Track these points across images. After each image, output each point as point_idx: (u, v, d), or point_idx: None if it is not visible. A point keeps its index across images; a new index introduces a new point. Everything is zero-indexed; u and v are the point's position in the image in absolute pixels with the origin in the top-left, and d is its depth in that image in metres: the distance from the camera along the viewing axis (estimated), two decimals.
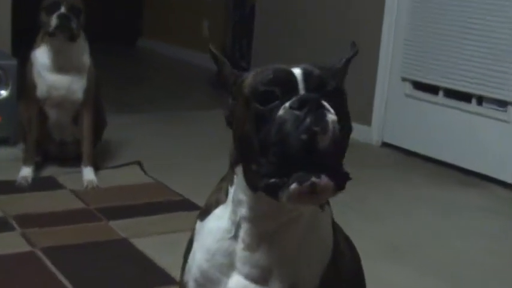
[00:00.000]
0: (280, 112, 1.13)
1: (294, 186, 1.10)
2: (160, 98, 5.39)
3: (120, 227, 2.84)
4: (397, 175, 3.87)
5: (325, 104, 1.13)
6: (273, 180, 1.12)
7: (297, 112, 1.11)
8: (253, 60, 5.45)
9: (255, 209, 1.23)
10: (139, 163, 3.64)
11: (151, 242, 2.71)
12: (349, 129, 1.19)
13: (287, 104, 1.13)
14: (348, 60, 1.32)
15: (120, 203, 3.11)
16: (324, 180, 1.10)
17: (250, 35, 5.60)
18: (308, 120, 1.10)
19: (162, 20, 7.48)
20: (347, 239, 1.50)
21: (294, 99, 1.13)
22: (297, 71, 1.18)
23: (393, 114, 4.38)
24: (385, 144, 4.42)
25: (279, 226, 1.23)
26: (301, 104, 1.12)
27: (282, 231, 1.23)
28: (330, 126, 1.10)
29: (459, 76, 3.98)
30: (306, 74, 1.17)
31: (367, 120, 4.46)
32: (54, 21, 3.15)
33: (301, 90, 1.16)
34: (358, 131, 4.44)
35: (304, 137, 1.09)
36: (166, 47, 7.32)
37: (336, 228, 1.35)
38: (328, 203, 1.31)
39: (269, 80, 1.17)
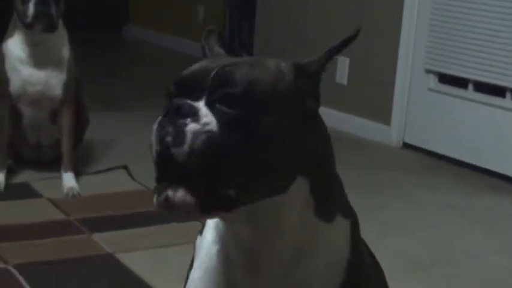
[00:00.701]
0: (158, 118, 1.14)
1: (154, 197, 1.11)
2: (150, 93, 5.38)
3: (105, 241, 2.84)
4: (420, 180, 3.87)
5: (197, 111, 1.10)
6: (154, 185, 1.13)
7: (164, 119, 1.12)
8: (256, 48, 5.45)
9: None
10: (126, 167, 3.65)
11: (140, 257, 2.72)
12: (251, 145, 1.10)
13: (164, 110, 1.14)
14: (330, 52, 1.19)
15: (104, 213, 3.12)
16: (180, 194, 1.08)
17: (253, 19, 5.59)
18: (163, 131, 1.10)
19: (151, 5, 7.48)
20: (371, 254, 1.47)
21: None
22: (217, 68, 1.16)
23: (415, 112, 4.38)
24: (406, 146, 4.42)
25: (258, 240, 1.20)
26: (166, 112, 1.13)
27: (268, 245, 1.20)
28: (188, 138, 1.08)
29: (492, 67, 3.97)
30: (217, 72, 1.15)
31: (385, 119, 4.46)
32: (31, 9, 3.15)
33: (206, 90, 1.14)
34: (376, 131, 4.45)
35: (157, 147, 1.10)
36: (155, 36, 7.32)
37: (357, 244, 1.31)
38: (343, 214, 1.28)
39: (177, 79, 1.19)
